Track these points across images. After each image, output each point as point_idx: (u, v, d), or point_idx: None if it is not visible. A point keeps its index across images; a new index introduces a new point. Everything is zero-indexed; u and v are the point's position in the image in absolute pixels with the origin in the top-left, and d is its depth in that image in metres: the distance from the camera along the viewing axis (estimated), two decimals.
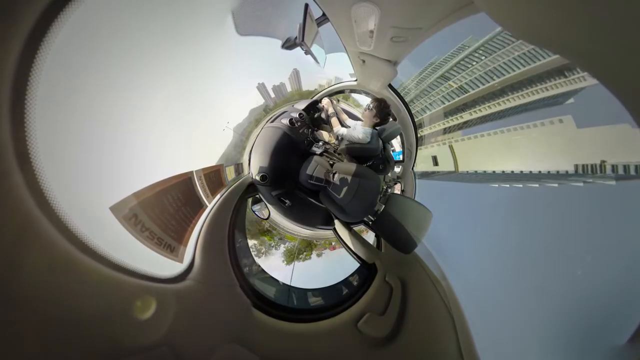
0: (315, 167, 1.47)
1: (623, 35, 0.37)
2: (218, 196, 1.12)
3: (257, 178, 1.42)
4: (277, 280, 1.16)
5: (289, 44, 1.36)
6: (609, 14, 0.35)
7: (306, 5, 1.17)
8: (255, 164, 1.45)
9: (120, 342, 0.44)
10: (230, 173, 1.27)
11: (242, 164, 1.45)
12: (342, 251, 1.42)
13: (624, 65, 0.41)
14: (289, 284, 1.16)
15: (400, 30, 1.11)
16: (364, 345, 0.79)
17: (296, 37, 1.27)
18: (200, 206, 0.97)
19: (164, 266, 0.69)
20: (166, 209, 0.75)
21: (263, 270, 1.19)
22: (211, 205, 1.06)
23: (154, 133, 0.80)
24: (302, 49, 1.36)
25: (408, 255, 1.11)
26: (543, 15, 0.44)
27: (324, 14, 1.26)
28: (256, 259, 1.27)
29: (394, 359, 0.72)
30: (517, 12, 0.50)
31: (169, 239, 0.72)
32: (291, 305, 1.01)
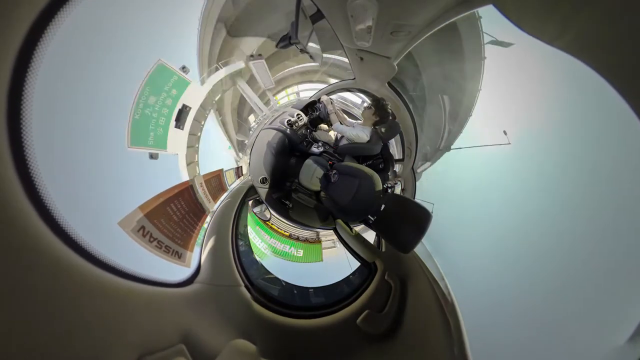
0: (314, 168, 1.48)
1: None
2: (220, 201, 1.15)
3: (258, 180, 1.44)
4: (279, 279, 1.21)
5: (284, 44, 1.33)
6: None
7: (299, 1, 1.12)
8: (255, 167, 1.47)
9: (140, 343, 0.49)
10: (230, 177, 1.29)
11: (242, 167, 1.47)
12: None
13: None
14: (291, 282, 1.21)
15: (401, 25, 1.06)
16: (362, 340, 0.83)
17: (290, 36, 1.23)
18: (203, 212, 1.01)
19: (174, 272, 0.74)
20: (171, 217, 0.79)
21: (266, 270, 1.24)
22: (214, 209, 1.09)
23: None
24: (297, 48, 1.33)
25: (407, 254, 1.13)
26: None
27: (318, 10, 1.21)
28: (258, 259, 1.32)
29: (390, 354, 0.77)
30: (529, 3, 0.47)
31: (176, 247, 0.77)
32: (294, 302, 1.06)
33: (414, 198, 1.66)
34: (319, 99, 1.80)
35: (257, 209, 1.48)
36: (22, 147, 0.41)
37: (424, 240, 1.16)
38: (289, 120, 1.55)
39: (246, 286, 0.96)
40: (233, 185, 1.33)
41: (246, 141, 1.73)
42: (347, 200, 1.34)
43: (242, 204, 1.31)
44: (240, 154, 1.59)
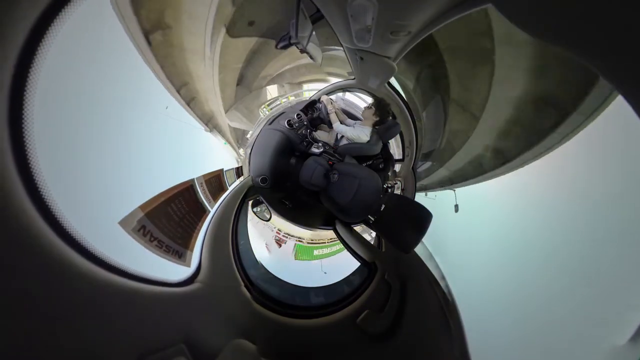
0: (314, 168, 1.48)
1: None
2: (220, 200, 1.15)
3: (258, 180, 1.45)
4: (280, 279, 1.21)
5: (284, 44, 1.33)
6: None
7: (298, 1, 1.12)
8: (255, 167, 1.47)
9: (140, 343, 0.49)
10: (230, 177, 1.30)
11: (242, 167, 1.47)
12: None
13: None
14: (291, 282, 1.21)
15: (401, 25, 1.06)
16: (362, 340, 0.83)
17: (290, 36, 1.23)
18: (204, 211, 1.01)
19: (174, 271, 0.74)
20: (172, 217, 0.79)
21: (266, 270, 1.24)
22: (214, 209, 1.10)
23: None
24: (298, 48, 1.33)
25: (408, 254, 1.13)
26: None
27: (317, 10, 1.21)
28: (259, 258, 1.32)
29: (390, 354, 0.77)
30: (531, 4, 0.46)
31: (176, 246, 0.77)
32: (294, 302, 1.06)
33: (414, 198, 1.66)
34: (319, 99, 1.80)
35: (257, 209, 1.48)
36: (24, 146, 0.42)
37: (424, 240, 1.16)
38: (289, 120, 1.56)
39: (246, 286, 0.97)
40: (233, 185, 1.34)
41: (248, 135, 1.68)
42: (347, 200, 1.34)
43: (243, 203, 1.32)
44: (241, 151, 1.57)
